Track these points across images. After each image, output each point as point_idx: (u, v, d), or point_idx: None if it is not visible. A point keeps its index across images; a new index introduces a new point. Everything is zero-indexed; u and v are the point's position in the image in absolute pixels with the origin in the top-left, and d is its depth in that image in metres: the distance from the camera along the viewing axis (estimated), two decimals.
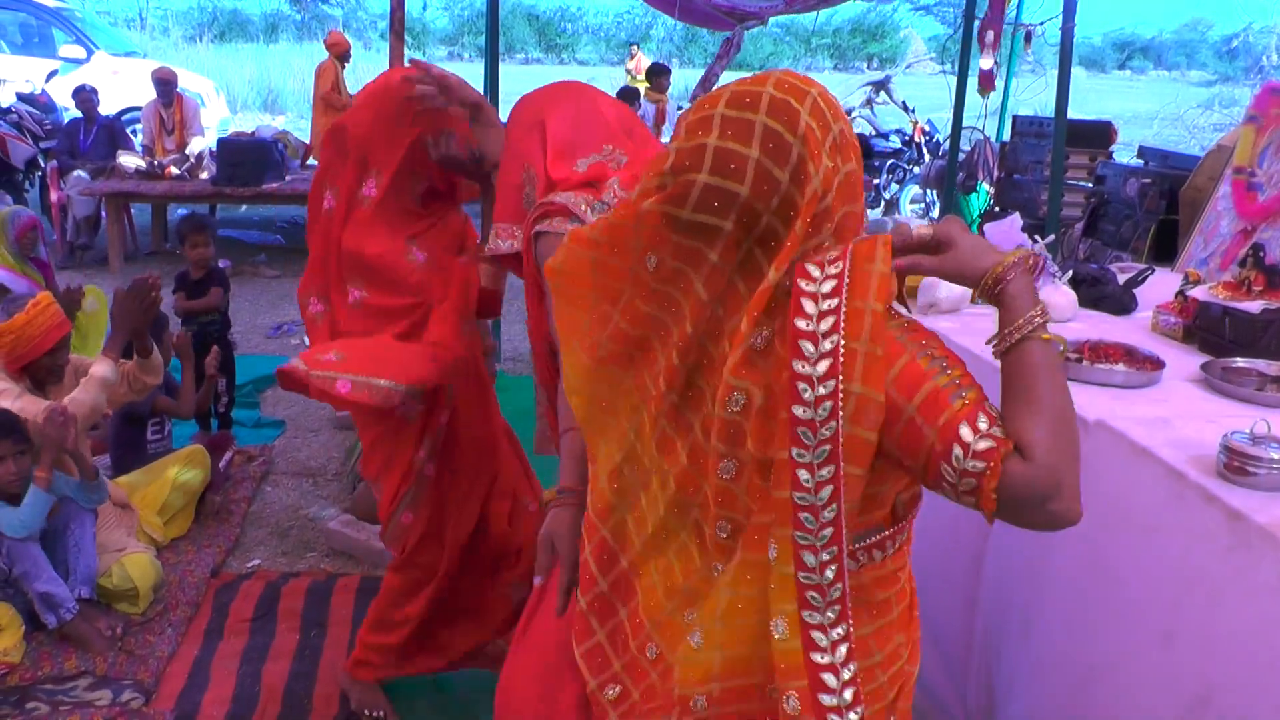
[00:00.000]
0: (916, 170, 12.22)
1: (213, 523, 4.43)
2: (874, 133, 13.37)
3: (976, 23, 6.00)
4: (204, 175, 9.28)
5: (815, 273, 1.42)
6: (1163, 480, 2.11)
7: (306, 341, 6.42)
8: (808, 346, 1.39)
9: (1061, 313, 3.11)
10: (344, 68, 11.24)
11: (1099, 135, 7.10)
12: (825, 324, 1.39)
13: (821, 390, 1.38)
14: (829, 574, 1.45)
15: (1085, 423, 2.33)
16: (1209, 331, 2.94)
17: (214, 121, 13.75)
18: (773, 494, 1.45)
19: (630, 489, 1.70)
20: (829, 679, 1.48)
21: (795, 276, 1.43)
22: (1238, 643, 1.90)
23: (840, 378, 1.38)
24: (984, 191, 8.27)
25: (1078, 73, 10.11)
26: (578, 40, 43.58)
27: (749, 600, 1.54)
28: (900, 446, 1.40)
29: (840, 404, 1.38)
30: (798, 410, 1.40)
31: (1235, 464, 2.02)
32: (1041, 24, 8.02)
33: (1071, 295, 3.17)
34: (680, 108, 13.92)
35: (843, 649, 1.48)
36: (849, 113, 13.89)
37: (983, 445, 1.35)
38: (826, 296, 1.40)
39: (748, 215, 1.44)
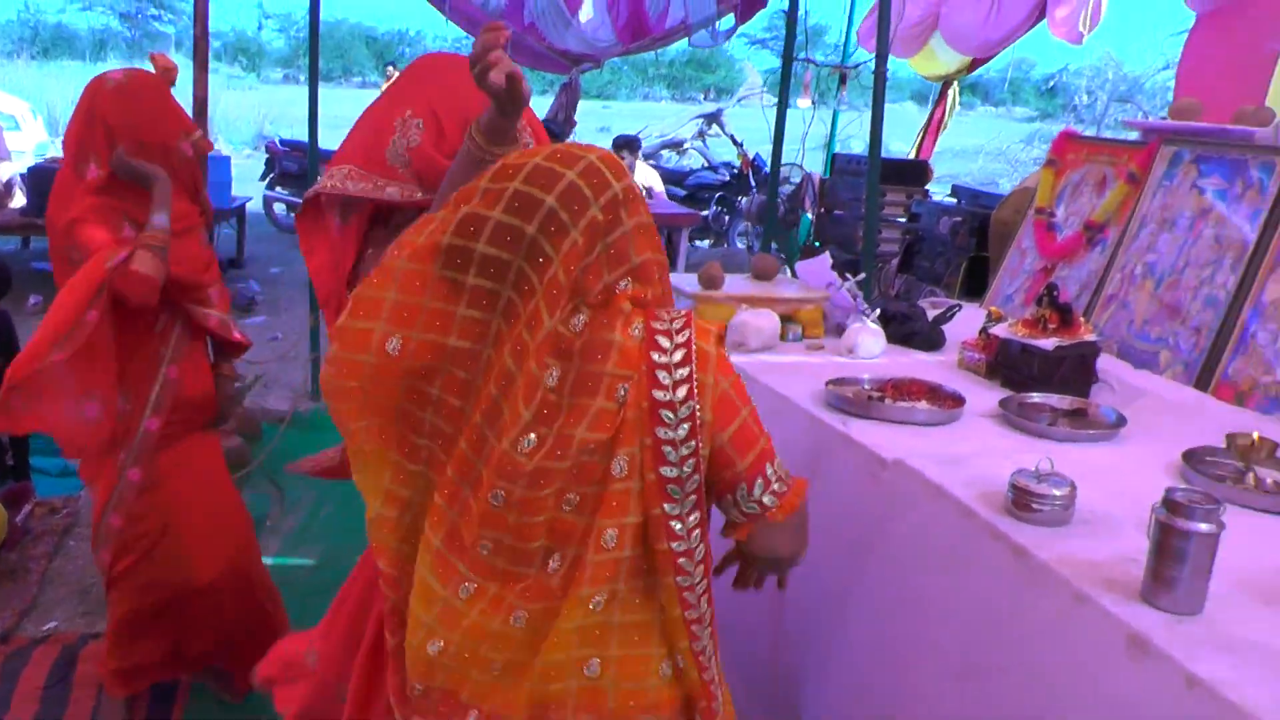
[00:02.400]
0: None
1: (7, 583, 4.17)
2: (705, 165, 13.53)
3: (795, 63, 6.13)
4: (13, 204, 8.86)
5: (665, 343, 1.61)
6: (956, 517, 2.17)
7: None
8: (668, 414, 1.59)
9: (870, 351, 3.18)
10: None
11: (916, 173, 7.34)
12: (681, 392, 1.60)
13: (685, 451, 1.60)
14: (704, 604, 1.70)
15: (883, 461, 2.38)
16: (1009, 368, 3.04)
17: (30, 145, 13.16)
18: (654, 546, 1.64)
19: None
20: (715, 691, 1.79)
21: (646, 348, 1.60)
22: (1028, 676, 1.94)
23: (699, 440, 1.60)
24: (807, 221, 8.45)
25: (909, 107, 10.54)
26: None
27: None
28: (714, 470, 1.66)
29: (700, 461, 1.62)
30: (667, 471, 1.60)
31: (1021, 501, 2.09)
32: (855, 67, 8.26)
33: (879, 332, 3.25)
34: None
35: (715, 664, 1.79)
36: (680, 145, 14.07)
37: (779, 487, 1.72)
38: (678, 366, 1.61)
39: (493, 267, 1.57)
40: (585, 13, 9.20)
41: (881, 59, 4.29)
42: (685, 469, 1.60)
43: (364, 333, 1.61)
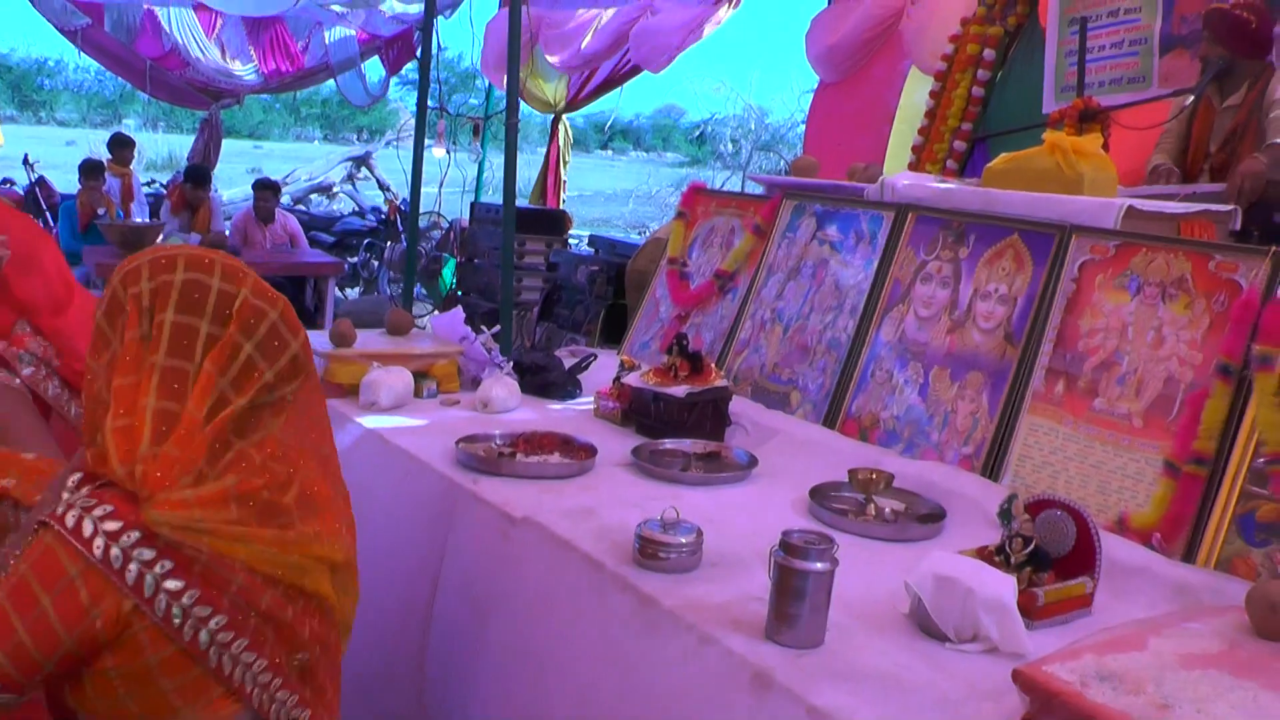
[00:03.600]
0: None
1: None
2: (355, 210, 13.18)
3: (430, 112, 6.11)
4: None
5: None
6: (584, 570, 2.15)
7: None
8: None
9: (504, 404, 3.14)
10: None
11: (554, 222, 7.45)
12: None
13: None
14: None
15: (513, 519, 2.33)
16: (643, 415, 3.08)
17: None
18: None
19: None
20: None
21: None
22: (652, 714, 1.94)
23: None
24: (452, 265, 8.41)
25: (539, 154, 10.69)
26: (57, 98, 40.54)
27: None
28: None
29: None
30: None
31: (648, 550, 2.10)
32: (488, 117, 8.34)
33: (512, 384, 3.21)
34: (151, 182, 13.07)
35: None
36: (329, 188, 13.73)
37: None
38: None
39: None
40: (224, 39, 8.92)
41: (512, 110, 4.29)
42: None
43: None
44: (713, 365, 3.13)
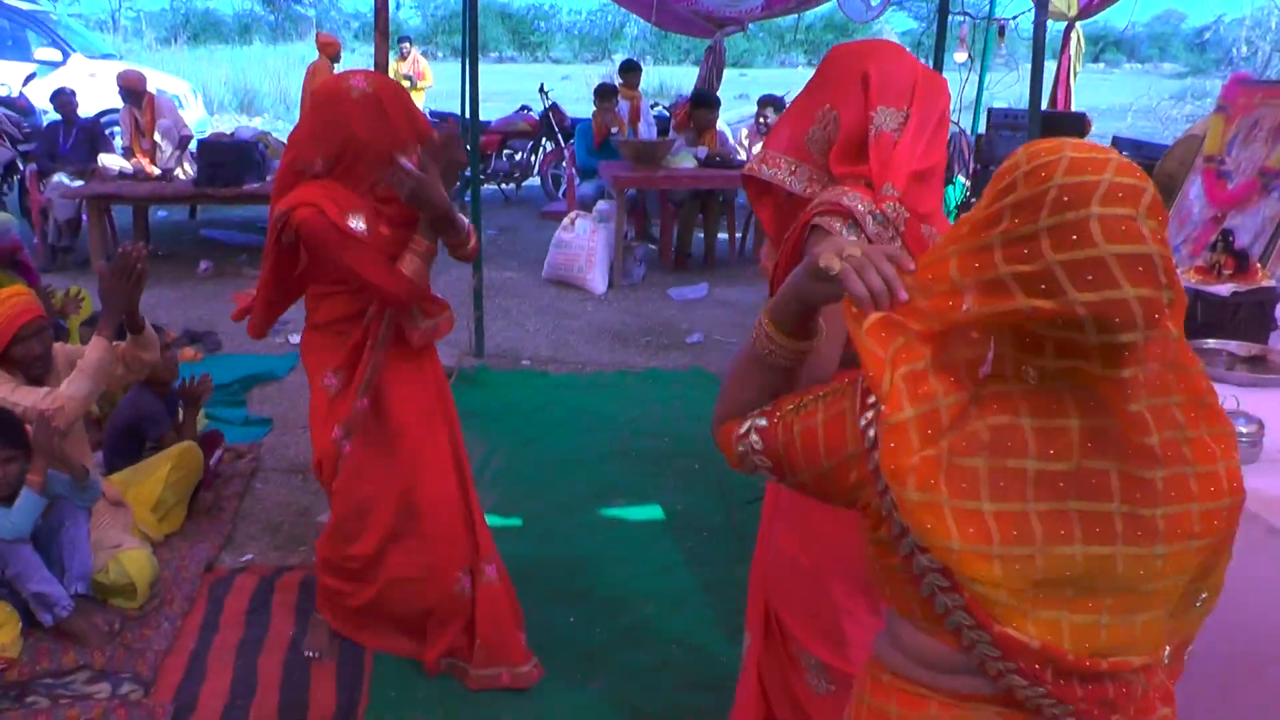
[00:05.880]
0: None
1: (205, 519, 4.47)
2: None
3: (951, 17, 6.07)
4: (181, 175, 9.28)
5: None
6: None
7: (293, 340, 6.37)
8: None
9: None
10: (334, 67, 11.57)
11: (1074, 126, 7.20)
12: None
13: None
14: None
15: None
16: (1185, 316, 3.01)
17: (193, 122, 13.71)
18: None
19: None
20: None
21: None
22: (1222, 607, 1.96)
23: None
24: (960, 184, 8.33)
25: (1050, 66, 10.04)
26: (551, 39, 43.80)
27: None
28: None
29: None
30: None
31: None
32: (1014, 17, 8.07)
33: None
34: (655, 105, 13.92)
35: None
36: None
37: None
38: None
39: None
40: None
41: (1041, 6, 4.20)
42: None
43: None
44: (1258, 264, 3.02)
